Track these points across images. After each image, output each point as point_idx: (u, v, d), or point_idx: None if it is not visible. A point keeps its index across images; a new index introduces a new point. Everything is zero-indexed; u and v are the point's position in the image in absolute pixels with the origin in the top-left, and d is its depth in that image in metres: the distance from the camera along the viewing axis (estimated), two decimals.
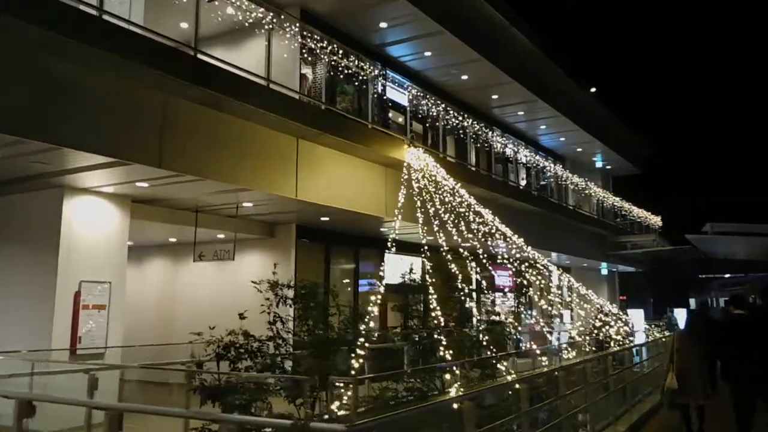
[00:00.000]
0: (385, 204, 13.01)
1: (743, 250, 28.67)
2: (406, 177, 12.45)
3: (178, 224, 11.63)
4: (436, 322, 13.58)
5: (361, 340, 7.65)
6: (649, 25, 63.46)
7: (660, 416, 10.82)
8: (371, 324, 9.35)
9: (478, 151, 20.87)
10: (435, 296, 13.04)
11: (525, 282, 19.54)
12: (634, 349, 16.34)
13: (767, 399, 6.84)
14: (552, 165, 22.32)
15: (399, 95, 17.03)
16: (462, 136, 18.91)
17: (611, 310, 17.67)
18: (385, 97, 16.15)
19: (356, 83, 13.84)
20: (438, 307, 13.26)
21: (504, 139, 21.09)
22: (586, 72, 25.83)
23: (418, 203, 12.47)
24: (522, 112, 21.84)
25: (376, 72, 14.95)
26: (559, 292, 22.72)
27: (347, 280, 15.75)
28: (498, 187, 17.37)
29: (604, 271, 28.42)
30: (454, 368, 10.95)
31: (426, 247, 12.67)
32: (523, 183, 22.88)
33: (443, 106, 16.76)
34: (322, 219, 13.09)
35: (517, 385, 6.52)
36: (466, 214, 12.90)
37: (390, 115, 16.34)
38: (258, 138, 9.90)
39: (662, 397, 8.64)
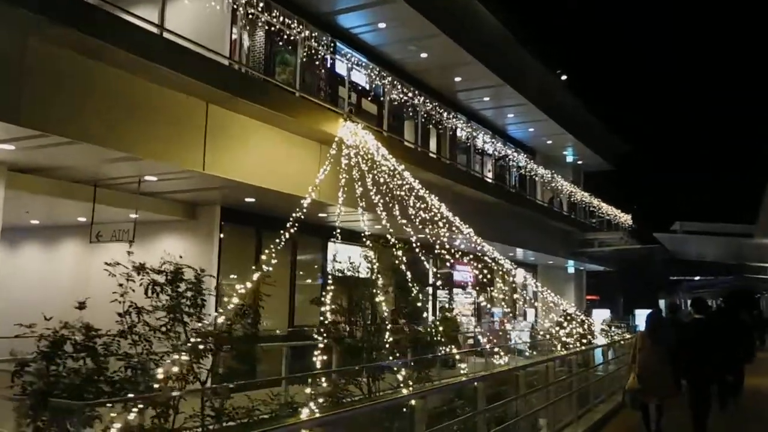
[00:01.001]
0: (321, 186, 11.59)
1: (712, 252, 27.86)
2: (345, 156, 11.08)
3: (73, 199, 10.10)
4: (385, 318, 12.55)
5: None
6: (628, 18, 62.47)
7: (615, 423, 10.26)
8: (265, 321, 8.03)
9: (440, 138, 19.58)
10: (385, 291, 11.99)
11: (485, 279, 18.39)
12: (593, 352, 15.28)
13: (721, 395, 8.09)
14: (515, 154, 21.06)
15: (354, 73, 15.65)
16: (422, 120, 17.58)
17: (568, 310, 16.45)
18: (337, 74, 14.79)
19: (302, 55, 12.47)
20: (383, 302, 12.04)
21: (467, 125, 19.80)
22: (559, 60, 24.64)
23: (359, 187, 11.12)
24: (488, 98, 20.56)
25: (325, 42, 13.57)
26: (521, 290, 21.52)
27: (283, 271, 14.32)
28: (452, 174, 15.99)
29: (571, 270, 27.35)
30: (396, 368, 9.75)
31: (374, 238, 11.42)
32: (490, 175, 21.66)
33: (400, 86, 15.40)
34: (248, 200, 11.64)
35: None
36: (410, 200, 11.55)
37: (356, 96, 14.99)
38: (153, 98, 8.41)
39: (624, 396, 8.74)
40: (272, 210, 12.51)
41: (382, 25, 15.22)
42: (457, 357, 12.50)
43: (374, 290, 11.17)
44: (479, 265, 16.14)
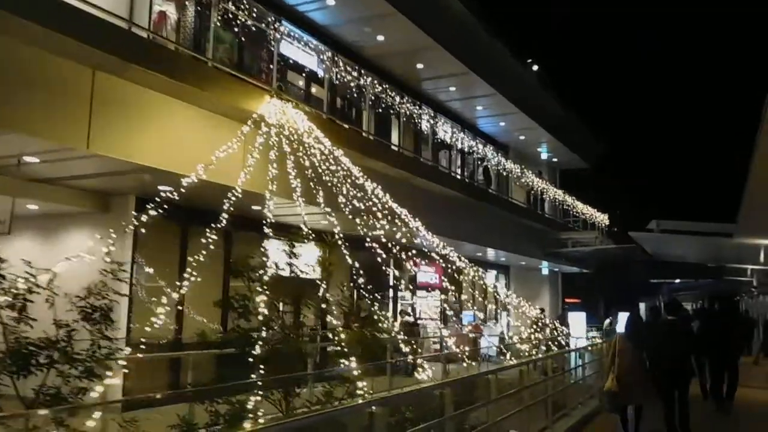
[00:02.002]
0: (250, 174, 10.23)
1: (691, 252, 26.83)
2: (275, 139, 9.75)
3: None
4: (336, 321, 11.36)
5: None
6: (606, 11, 60.97)
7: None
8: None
9: (402, 129, 18.31)
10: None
11: (452, 281, 17.20)
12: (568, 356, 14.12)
13: (681, 394, 8.07)
14: (481, 145, 19.82)
15: (305, 56, 14.36)
16: (380, 109, 16.31)
17: (538, 316, 15.18)
18: (283, 56, 13.47)
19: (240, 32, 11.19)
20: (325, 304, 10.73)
21: (432, 116, 18.55)
22: (531, 51, 23.47)
23: (292, 173, 9.80)
24: (454, 88, 19.30)
25: (269, 21, 12.25)
26: (491, 293, 20.20)
27: (215, 271, 12.93)
28: (408, 165, 14.66)
29: (545, 271, 26.19)
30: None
31: (321, 234, 10.12)
32: (460, 171, 20.42)
33: (355, 71, 14.15)
34: (163, 189, 10.23)
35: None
36: (357, 192, 10.24)
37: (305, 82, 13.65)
38: (24, 62, 7.02)
39: (601, 399, 8.92)
40: (198, 201, 11.10)
41: (330, 2, 13.91)
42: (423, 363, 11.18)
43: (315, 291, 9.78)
44: (445, 266, 15.00)
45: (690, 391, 8.42)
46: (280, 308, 9.53)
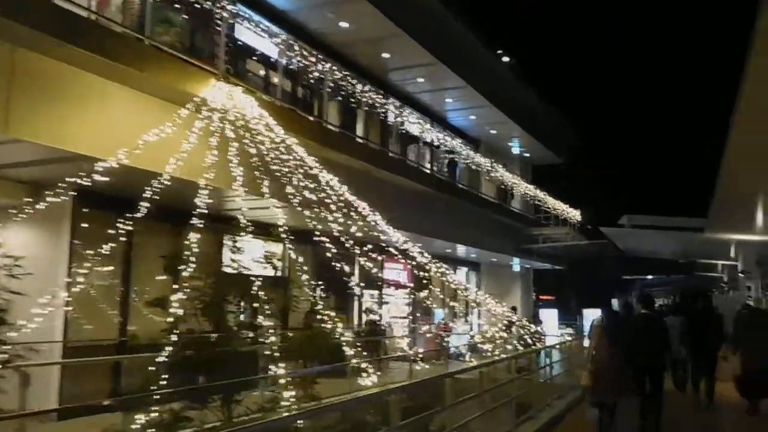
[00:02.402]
0: (192, 162, 9.56)
1: (663, 247, 26.79)
2: (223, 126, 9.07)
3: None
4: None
5: None
6: (579, 3, 60.25)
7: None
8: None
9: (369, 123, 17.72)
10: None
11: (419, 278, 16.64)
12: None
13: (655, 388, 8.43)
14: (448, 138, 19.32)
15: (263, 42, 13.66)
16: (345, 100, 15.69)
17: (506, 314, 14.70)
18: (237, 40, 12.79)
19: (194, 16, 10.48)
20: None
21: (398, 108, 17.97)
22: (502, 43, 22.99)
23: (234, 160, 9.15)
24: (422, 79, 18.77)
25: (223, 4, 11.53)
26: (459, 291, 19.74)
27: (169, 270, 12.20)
28: (371, 157, 14.07)
29: (516, 268, 25.83)
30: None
31: (276, 229, 9.49)
32: (430, 166, 19.88)
33: (315, 57, 13.48)
34: (101, 179, 9.49)
35: None
36: (301, 180, 9.61)
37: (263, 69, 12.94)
38: None
39: (583, 392, 8.79)
40: (142, 193, 10.39)
41: None
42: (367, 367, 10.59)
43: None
44: (412, 263, 14.47)
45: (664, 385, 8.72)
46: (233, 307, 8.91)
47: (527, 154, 26.95)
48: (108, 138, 8.35)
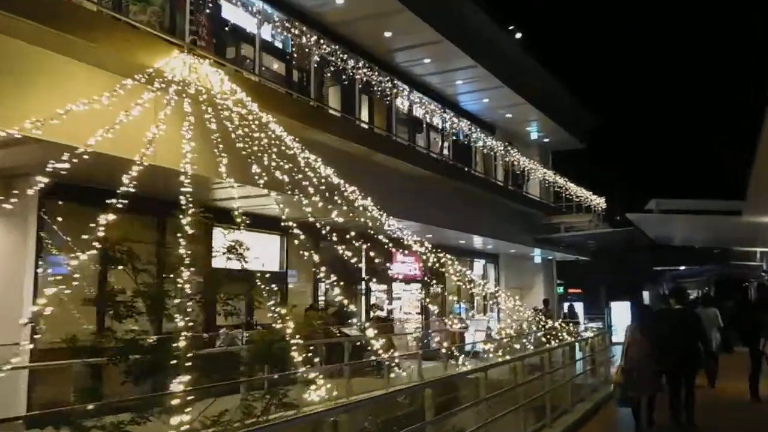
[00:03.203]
0: (163, 145, 8.57)
1: (695, 234, 25.08)
2: (187, 104, 8.08)
3: None
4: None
5: None
6: None
7: None
8: None
9: (373, 107, 16.62)
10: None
11: (432, 271, 15.63)
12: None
13: (687, 382, 8.43)
14: (457, 120, 18.10)
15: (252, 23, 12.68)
16: (349, 83, 14.65)
17: (514, 307, 13.48)
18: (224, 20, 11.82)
19: None
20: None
21: (406, 92, 16.84)
22: (514, 16, 21.60)
23: (217, 144, 8.18)
24: (428, 60, 17.57)
25: None
26: (475, 285, 18.53)
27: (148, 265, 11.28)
28: (366, 138, 12.89)
29: (538, 260, 24.46)
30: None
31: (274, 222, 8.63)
32: (444, 152, 18.67)
33: (306, 35, 12.46)
34: (60, 166, 8.57)
35: None
36: (278, 161, 8.56)
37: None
38: None
39: (614, 390, 8.79)
40: (111, 181, 9.46)
41: None
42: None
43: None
44: (424, 256, 13.43)
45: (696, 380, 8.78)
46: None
47: (546, 139, 25.52)
48: (64, 119, 7.40)
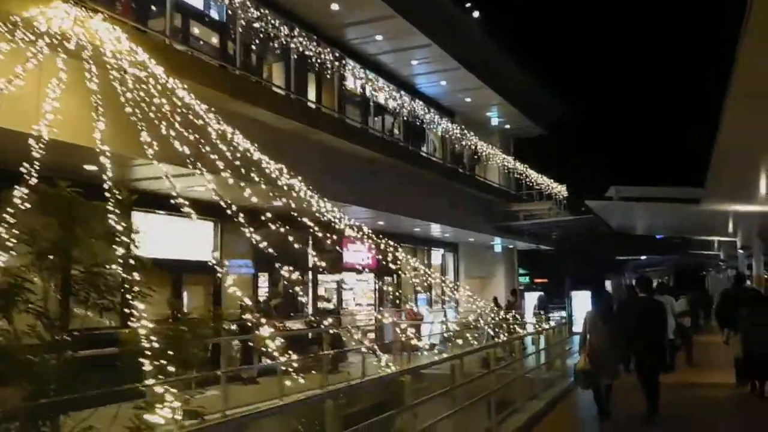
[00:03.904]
0: (59, 116, 7.46)
1: (655, 222, 24.77)
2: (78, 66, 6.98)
3: None
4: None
5: None
6: None
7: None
8: None
9: (322, 85, 15.63)
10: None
11: (386, 260, 14.78)
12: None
13: (653, 368, 8.45)
14: (412, 101, 17.24)
15: None
16: (295, 60, 13.63)
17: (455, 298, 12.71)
18: None
19: None
20: None
21: (354, 68, 15.87)
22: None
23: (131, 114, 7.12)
24: (381, 37, 16.61)
25: None
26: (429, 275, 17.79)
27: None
28: (301, 114, 11.84)
29: (498, 249, 23.82)
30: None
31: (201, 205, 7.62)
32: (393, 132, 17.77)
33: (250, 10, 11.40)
34: None
35: None
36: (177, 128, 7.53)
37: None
38: None
39: (575, 376, 8.92)
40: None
41: None
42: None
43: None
44: (376, 244, 12.61)
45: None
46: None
47: (507, 126, 24.82)
48: None
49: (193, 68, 8.96)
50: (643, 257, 50.51)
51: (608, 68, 58.66)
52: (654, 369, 8.46)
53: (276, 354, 8.22)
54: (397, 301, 18.39)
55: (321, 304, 14.79)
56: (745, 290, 11.93)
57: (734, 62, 7.42)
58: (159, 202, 10.74)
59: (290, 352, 11.29)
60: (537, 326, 13.63)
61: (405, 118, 17.13)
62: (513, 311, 20.55)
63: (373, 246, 18.66)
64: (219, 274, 13.13)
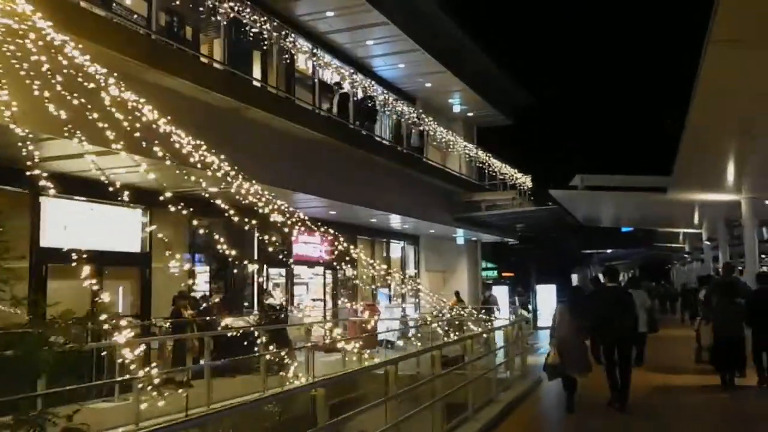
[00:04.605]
0: None
1: (621, 213, 24.24)
2: None
3: None
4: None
5: None
6: None
7: None
8: None
9: (266, 60, 14.39)
10: None
11: (339, 253, 13.80)
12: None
13: (623, 359, 8.36)
14: (361, 78, 16.16)
15: None
16: (237, 35, 12.40)
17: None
18: None
19: None
20: None
21: (302, 47, 14.68)
22: None
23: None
24: (332, 13, 15.47)
25: None
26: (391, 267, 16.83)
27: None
28: (230, 87, 10.52)
29: (461, 241, 22.92)
30: None
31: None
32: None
33: None
34: None
35: None
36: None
37: None
38: None
39: (545, 369, 8.64)
40: None
41: None
42: None
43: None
44: (330, 236, 11.66)
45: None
46: None
47: (470, 114, 23.90)
48: None
49: (104, 31, 7.75)
50: (608, 250, 50.41)
51: (576, 55, 57.71)
52: (625, 359, 8.42)
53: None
54: (352, 297, 17.37)
55: (267, 300, 13.61)
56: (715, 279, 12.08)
57: (704, 47, 7.39)
58: (77, 187, 9.57)
59: (221, 353, 10.34)
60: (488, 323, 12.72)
61: (357, 100, 15.99)
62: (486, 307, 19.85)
63: (326, 238, 17.58)
64: (148, 268, 11.99)
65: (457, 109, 23.18)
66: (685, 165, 14.78)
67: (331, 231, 11.51)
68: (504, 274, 41.93)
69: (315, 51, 14.83)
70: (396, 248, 21.53)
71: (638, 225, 33.05)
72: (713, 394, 9.75)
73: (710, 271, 21.27)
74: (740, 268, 17.94)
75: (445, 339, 11.71)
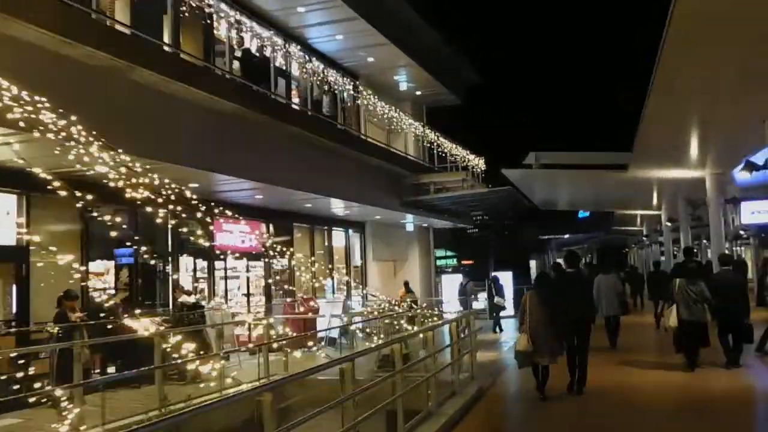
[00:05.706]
0: None
1: (577, 195, 23.12)
2: None
3: None
4: None
5: None
6: None
7: None
8: None
9: (178, 23, 12.43)
10: None
11: (272, 242, 12.30)
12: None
13: (580, 342, 8.62)
14: (283, 42, 14.40)
15: None
16: None
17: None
18: None
19: None
20: None
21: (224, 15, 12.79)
22: None
23: None
24: None
25: None
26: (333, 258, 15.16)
27: None
28: (114, 47, 8.57)
29: (410, 227, 21.40)
30: None
31: None
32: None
33: None
34: None
35: None
36: None
37: None
38: None
39: (516, 356, 8.67)
40: None
41: None
42: None
43: None
44: (259, 222, 9.94)
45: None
46: None
47: (418, 92, 22.28)
48: None
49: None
50: (566, 236, 49.91)
51: (526, 30, 56.14)
52: (583, 345, 8.60)
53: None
54: (288, 292, 15.67)
55: (180, 298, 11.82)
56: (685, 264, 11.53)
57: (667, 19, 7.15)
58: None
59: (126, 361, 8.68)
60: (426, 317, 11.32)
61: (277, 66, 14.23)
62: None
63: (254, 225, 15.70)
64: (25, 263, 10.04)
65: (403, 86, 21.53)
66: (646, 139, 13.59)
67: (261, 218, 9.82)
68: (464, 262, 40.96)
69: (239, 18, 12.98)
70: (339, 236, 19.87)
71: (596, 208, 32.17)
72: (677, 373, 9.94)
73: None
74: (695, 250, 17.29)
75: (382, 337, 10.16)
